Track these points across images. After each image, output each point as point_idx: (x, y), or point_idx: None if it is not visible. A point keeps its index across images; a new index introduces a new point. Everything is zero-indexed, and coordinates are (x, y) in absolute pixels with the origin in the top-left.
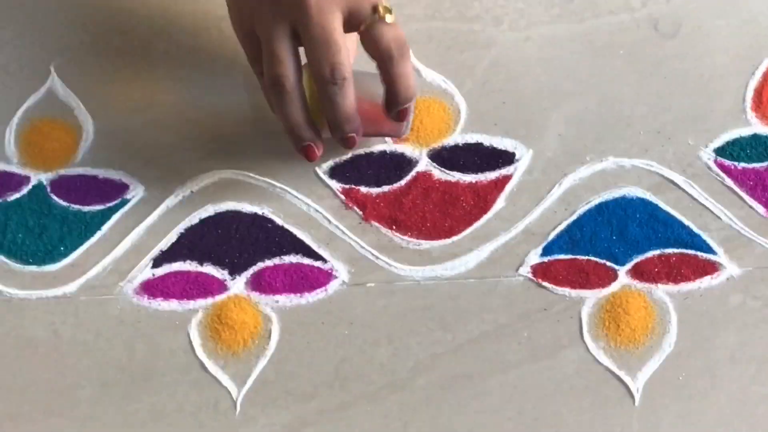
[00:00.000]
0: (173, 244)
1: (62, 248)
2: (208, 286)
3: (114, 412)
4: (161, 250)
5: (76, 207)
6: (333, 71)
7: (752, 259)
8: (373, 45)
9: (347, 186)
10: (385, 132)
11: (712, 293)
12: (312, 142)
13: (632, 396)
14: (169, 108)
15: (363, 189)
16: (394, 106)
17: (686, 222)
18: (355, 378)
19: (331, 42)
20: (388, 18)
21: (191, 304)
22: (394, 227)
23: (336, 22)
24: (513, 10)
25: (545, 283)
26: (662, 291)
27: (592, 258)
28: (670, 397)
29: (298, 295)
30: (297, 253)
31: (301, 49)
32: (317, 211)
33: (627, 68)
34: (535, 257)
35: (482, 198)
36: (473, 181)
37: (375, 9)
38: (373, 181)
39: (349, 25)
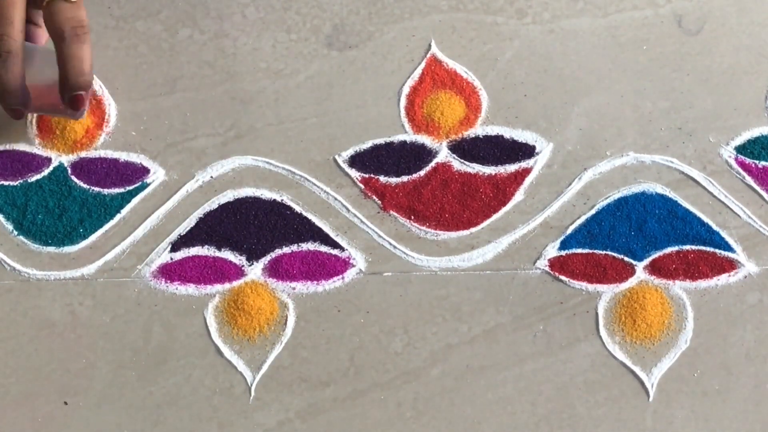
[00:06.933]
0: (192, 229)
1: (81, 230)
2: (225, 272)
3: (129, 395)
4: (180, 235)
5: (96, 189)
6: None
7: None
8: (48, 22)
9: (366, 175)
10: (61, 113)
11: (729, 291)
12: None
13: (647, 392)
14: (191, 93)
15: (382, 178)
16: (65, 91)
17: (705, 219)
18: (369, 366)
19: (1, 14)
20: None
21: (208, 288)
22: (412, 217)
23: None
24: (537, 2)
25: (562, 277)
26: (679, 287)
27: (610, 253)
28: (685, 394)
29: (315, 282)
30: (315, 241)
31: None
32: (336, 199)
33: (650, 64)
34: (552, 251)
35: (501, 190)
36: (493, 173)
37: None
38: (393, 170)
39: (35, 2)
